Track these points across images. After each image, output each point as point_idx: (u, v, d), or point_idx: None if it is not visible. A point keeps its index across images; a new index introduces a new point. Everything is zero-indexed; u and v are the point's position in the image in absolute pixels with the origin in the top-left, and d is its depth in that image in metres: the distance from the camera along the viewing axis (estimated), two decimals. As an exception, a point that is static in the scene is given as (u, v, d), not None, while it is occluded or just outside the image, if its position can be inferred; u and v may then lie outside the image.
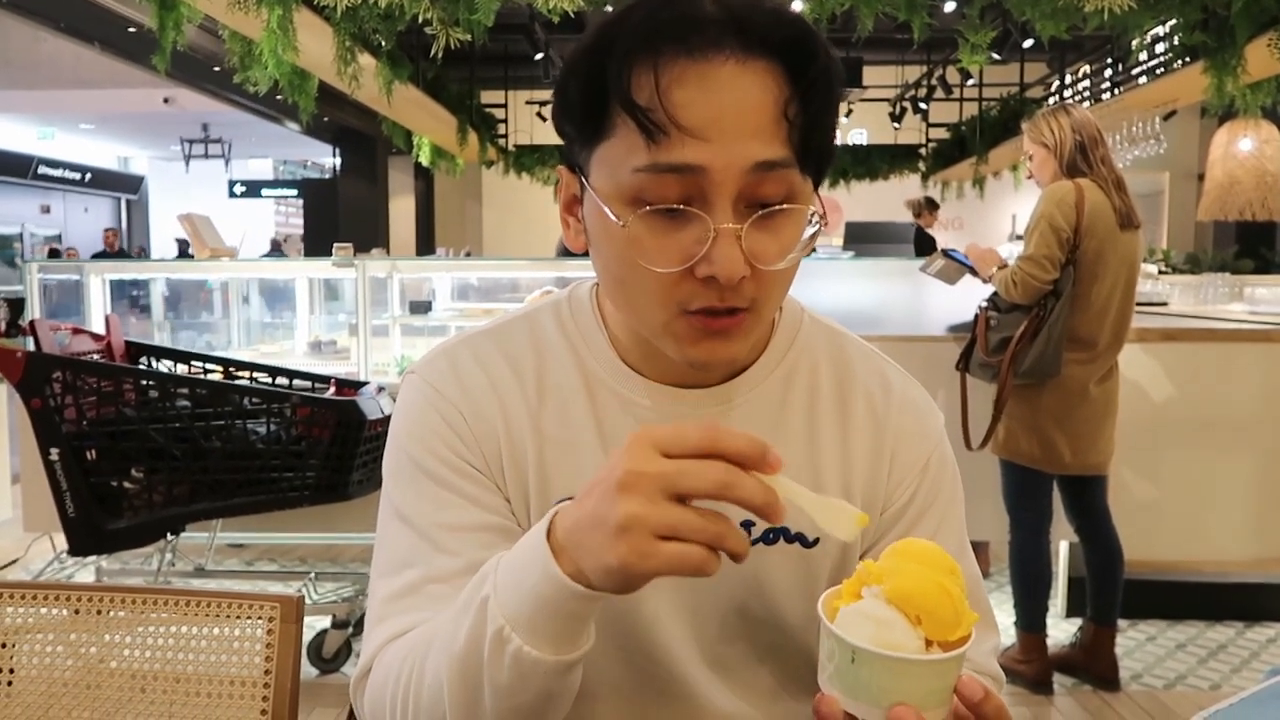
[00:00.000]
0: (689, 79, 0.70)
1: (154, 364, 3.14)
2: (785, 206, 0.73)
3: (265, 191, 17.47)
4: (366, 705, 0.78)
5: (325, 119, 12.27)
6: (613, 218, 0.73)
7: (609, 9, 5.43)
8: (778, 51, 0.72)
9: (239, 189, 16.86)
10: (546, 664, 0.65)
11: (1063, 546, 3.35)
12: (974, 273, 2.99)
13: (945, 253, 3.17)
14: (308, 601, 3.04)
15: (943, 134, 11.07)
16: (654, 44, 0.70)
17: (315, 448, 2.70)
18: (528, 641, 0.64)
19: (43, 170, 16.12)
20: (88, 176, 17.39)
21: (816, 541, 0.85)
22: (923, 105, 10.64)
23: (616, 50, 0.71)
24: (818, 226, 0.76)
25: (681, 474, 0.59)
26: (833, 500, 0.64)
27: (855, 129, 13.08)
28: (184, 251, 14.83)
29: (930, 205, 8.08)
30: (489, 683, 0.66)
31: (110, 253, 12.17)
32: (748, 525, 0.84)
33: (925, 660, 0.62)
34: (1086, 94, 8.64)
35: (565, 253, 4.95)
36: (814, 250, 0.82)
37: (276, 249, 12.73)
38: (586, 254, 0.81)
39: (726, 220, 0.71)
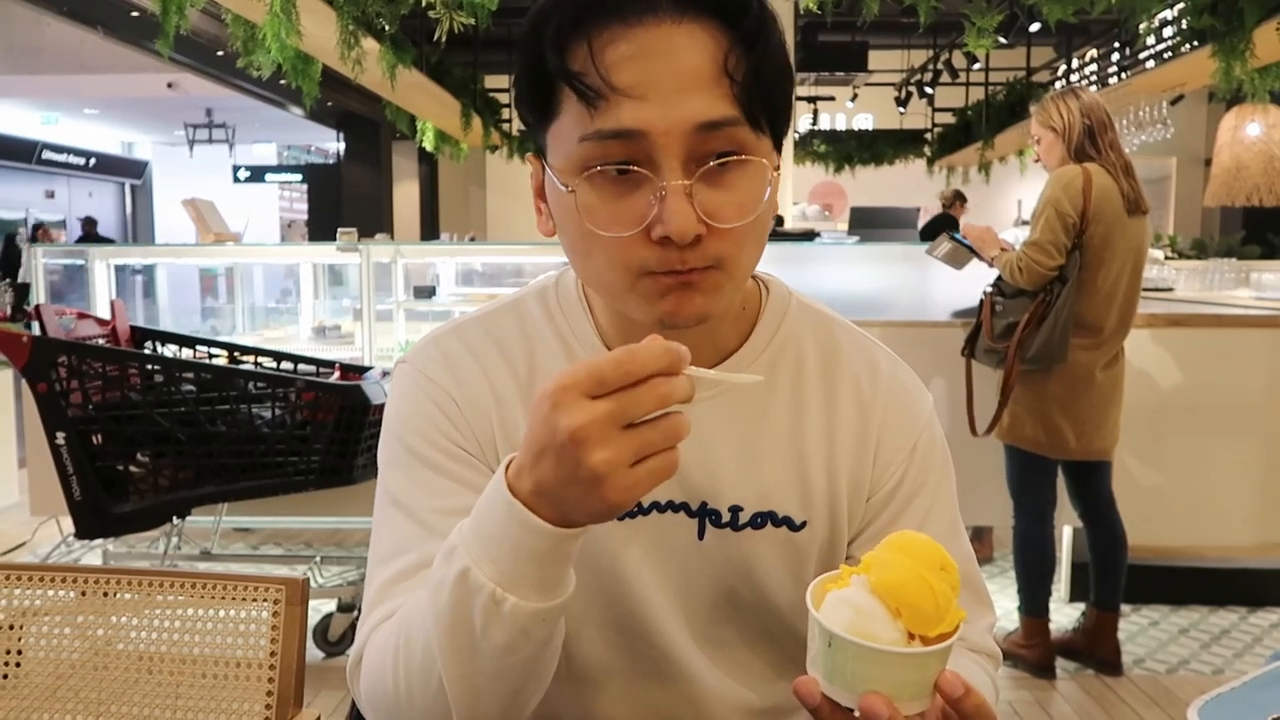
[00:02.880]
0: (622, 42, 0.70)
1: (159, 349, 3.14)
2: (737, 158, 0.72)
3: (269, 177, 17.42)
4: (363, 690, 0.78)
5: (329, 104, 12.25)
6: (560, 186, 0.74)
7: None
8: (711, 9, 0.71)
9: (243, 174, 16.82)
10: (545, 610, 0.66)
11: (1066, 531, 3.35)
12: (979, 255, 2.98)
13: (951, 236, 3.15)
14: (313, 585, 3.06)
15: (948, 119, 10.99)
16: (587, 15, 0.71)
17: (320, 432, 2.71)
18: (523, 596, 0.65)
19: (47, 155, 16.09)
20: (92, 161, 17.36)
21: (804, 525, 0.85)
22: (928, 90, 10.58)
23: (550, 26, 0.72)
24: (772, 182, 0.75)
25: (625, 409, 0.59)
26: (734, 374, 0.68)
27: (861, 114, 13.01)
28: (88, 234, 14.05)
29: (960, 198, 8.33)
30: (487, 645, 0.67)
31: None
32: (735, 511, 0.84)
33: (897, 652, 0.62)
34: (1093, 78, 8.56)
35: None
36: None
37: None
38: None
39: (675, 178, 0.70)
